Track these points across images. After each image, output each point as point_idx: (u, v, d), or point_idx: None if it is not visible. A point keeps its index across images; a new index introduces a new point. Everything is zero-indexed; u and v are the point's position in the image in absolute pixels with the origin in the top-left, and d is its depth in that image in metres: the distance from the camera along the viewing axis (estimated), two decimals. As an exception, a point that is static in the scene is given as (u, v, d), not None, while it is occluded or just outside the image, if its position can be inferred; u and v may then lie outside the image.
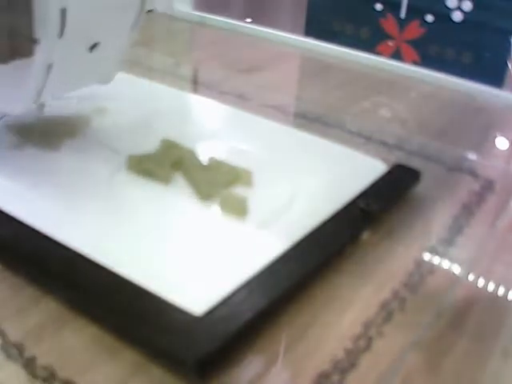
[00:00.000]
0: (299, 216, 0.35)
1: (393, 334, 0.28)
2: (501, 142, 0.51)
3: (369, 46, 0.66)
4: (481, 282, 0.33)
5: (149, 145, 0.40)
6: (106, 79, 0.41)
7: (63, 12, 0.33)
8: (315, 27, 0.70)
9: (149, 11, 0.76)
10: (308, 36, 0.69)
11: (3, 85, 0.35)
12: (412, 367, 0.27)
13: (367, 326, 0.29)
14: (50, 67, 0.34)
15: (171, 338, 0.26)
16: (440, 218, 0.38)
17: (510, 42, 0.59)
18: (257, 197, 0.36)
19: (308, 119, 0.50)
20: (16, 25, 0.32)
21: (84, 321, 0.28)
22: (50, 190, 0.36)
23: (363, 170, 0.40)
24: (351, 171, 0.40)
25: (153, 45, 0.69)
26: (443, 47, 0.63)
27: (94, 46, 0.37)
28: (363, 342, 0.28)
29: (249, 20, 0.72)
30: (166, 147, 0.40)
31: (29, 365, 0.26)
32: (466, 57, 0.62)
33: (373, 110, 0.53)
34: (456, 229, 0.37)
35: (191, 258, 0.31)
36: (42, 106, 0.40)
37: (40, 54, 0.33)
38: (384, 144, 0.46)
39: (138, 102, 0.48)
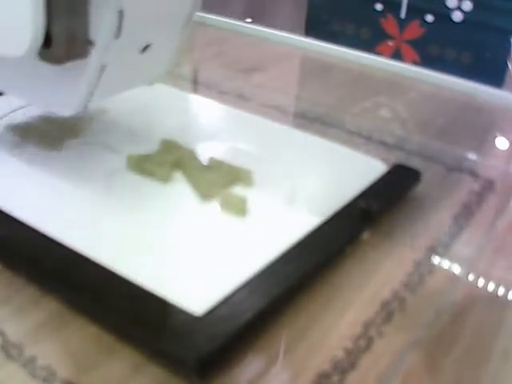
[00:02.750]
0: (299, 216, 0.35)
1: (393, 334, 0.28)
2: (501, 142, 0.51)
3: (369, 46, 0.66)
4: (481, 282, 0.33)
5: (149, 145, 0.40)
6: (153, 80, 0.41)
7: (120, 14, 0.33)
8: (315, 27, 0.70)
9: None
10: (308, 36, 0.69)
11: (55, 85, 0.36)
12: (412, 367, 0.27)
13: (367, 325, 0.29)
14: (103, 69, 0.34)
15: (171, 338, 0.26)
16: (440, 218, 0.38)
17: (510, 42, 0.59)
18: (257, 197, 0.36)
19: (308, 119, 0.50)
20: (73, 26, 0.32)
21: (84, 321, 0.28)
22: (50, 189, 0.36)
23: (363, 169, 0.40)
24: (351, 171, 0.40)
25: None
26: (443, 47, 0.63)
27: (146, 48, 0.37)
28: (363, 341, 0.28)
29: (249, 20, 0.72)
30: (165, 147, 0.40)
31: (29, 365, 0.26)
32: (466, 57, 0.62)
33: (373, 110, 0.53)
34: (456, 229, 0.37)
35: (191, 258, 0.32)
36: (86, 106, 0.40)
37: (95, 56, 0.33)
38: (384, 144, 0.46)
39: (138, 102, 0.48)
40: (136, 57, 0.37)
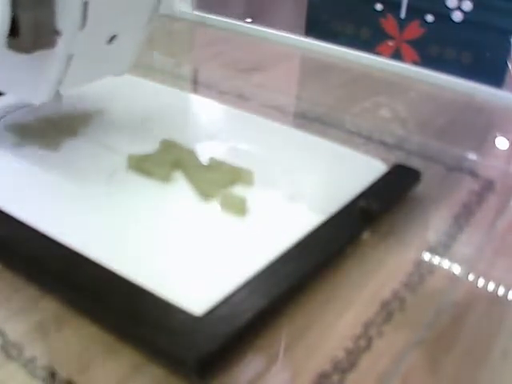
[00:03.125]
0: (299, 216, 0.35)
1: (393, 334, 0.28)
2: (501, 142, 0.51)
3: (369, 46, 0.66)
4: (481, 282, 0.33)
5: (149, 145, 0.40)
6: (120, 71, 0.43)
7: (85, 5, 0.34)
8: (315, 27, 0.70)
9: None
10: (308, 36, 0.69)
11: (25, 75, 0.37)
12: (412, 367, 0.27)
13: (367, 325, 0.29)
14: (70, 58, 0.35)
15: (171, 338, 0.26)
16: (440, 218, 0.38)
17: (510, 42, 0.59)
18: (257, 196, 0.36)
19: (308, 119, 0.50)
20: (40, 17, 0.33)
21: (84, 321, 0.28)
22: (49, 189, 0.36)
23: (363, 169, 0.40)
24: (351, 171, 0.40)
25: (153, 45, 0.69)
26: (443, 47, 0.63)
27: (112, 38, 0.38)
28: (363, 341, 0.28)
29: (249, 20, 0.72)
30: (165, 147, 0.40)
31: (29, 365, 0.26)
32: (466, 57, 0.62)
33: (373, 110, 0.53)
34: (456, 229, 0.37)
35: (191, 258, 0.32)
36: (59, 96, 0.41)
37: (62, 45, 0.34)
38: (384, 144, 0.46)
39: (138, 101, 0.48)
40: (103, 47, 0.38)
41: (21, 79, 0.37)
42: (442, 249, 0.35)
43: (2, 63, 0.36)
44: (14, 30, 0.32)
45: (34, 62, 0.35)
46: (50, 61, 0.35)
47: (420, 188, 0.40)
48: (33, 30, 0.33)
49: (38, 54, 0.34)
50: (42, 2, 0.33)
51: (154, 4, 0.40)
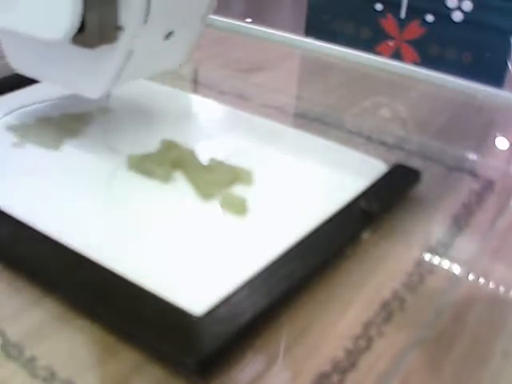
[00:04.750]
0: (299, 216, 0.35)
1: (393, 334, 0.28)
2: (501, 142, 0.51)
3: (369, 46, 0.66)
4: (481, 282, 0.33)
5: (149, 145, 0.40)
6: (174, 66, 0.43)
7: (148, 1, 0.35)
8: (315, 27, 0.70)
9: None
10: (308, 36, 0.68)
11: (84, 69, 0.38)
12: (412, 367, 0.27)
13: (367, 325, 0.29)
14: (130, 53, 0.36)
15: (171, 338, 0.26)
16: (440, 218, 0.38)
17: (509, 42, 0.59)
18: (257, 196, 0.36)
19: (308, 119, 0.50)
20: (104, 13, 0.34)
21: (84, 321, 0.28)
22: (50, 189, 0.36)
23: (363, 170, 0.40)
24: (351, 171, 0.40)
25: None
26: (443, 47, 0.63)
27: (169, 35, 0.39)
28: (363, 341, 0.28)
29: (249, 20, 0.72)
30: (166, 147, 0.40)
31: (29, 365, 0.26)
32: (466, 57, 0.62)
33: (373, 110, 0.53)
34: (456, 229, 0.37)
35: (191, 258, 0.32)
36: (107, 96, 0.42)
37: (123, 41, 0.35)
38: (384, 144, 0.46)
39: (138, 101, 0.48)
40: (160, 43, 0.39)
41: (79, 73, 0.38)
42: (442, 249, 0.35)
43: (62, 57, 0.37)
44: (80, 26, 0.33)
45: (94, 57, 0.36)
46: (111, 56, 0.36)
47: (420, 188, 0.40)
48: (97, 25, 0.34)
49: (99, 49, 0.35)
50: (108, 0, 0.34)
51: (208, 3, 0.41)
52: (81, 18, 0.33)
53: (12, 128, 0.42)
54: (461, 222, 0.37)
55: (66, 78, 0.39)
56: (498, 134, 0.52)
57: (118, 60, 0.36)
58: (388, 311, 0.30)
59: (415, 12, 0.64)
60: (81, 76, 0.38)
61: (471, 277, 0.33)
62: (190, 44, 0.43)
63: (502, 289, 0.32)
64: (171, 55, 0.42)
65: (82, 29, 0.33)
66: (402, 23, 0.65)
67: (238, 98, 0.52)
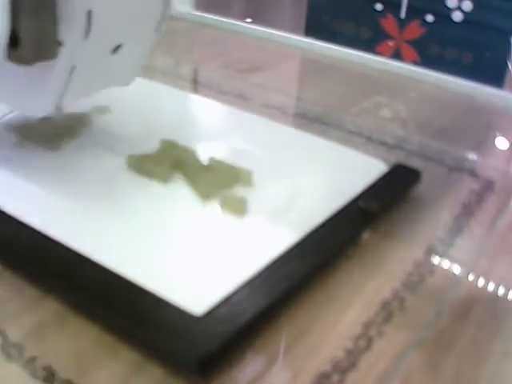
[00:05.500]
0: (299, 216, 0.35)
1: (393, 334, 0.28)
2: (501, 142, 0.51)
3: (369, 46, 0.66)
4: (481, 282, 0.33)
5: (149, 145, 0.40)
6: (126, 81, 0.41)
7: (89, 14, 0.32)
8: (315, 27, 0.70)
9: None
10: (308, 36, 0.68)
11: (26, 87, 0.35)
12: (412, 367, 0.27)
13: (367, 325, 0.29)
14: (73, 69, 0.34)
15: (171, 338, 0.26)
16: (440, 218, 0.38)
17: (509, 42, 0.59)
18: (257, 197, 0.36)
19: (308, 119, 0.50)
20: (41, 27, 0.32)
21: (84, 321, 0.28)
22: (49, 189, 0.36)
23: (363, 170, 0.40)
24: (351, 171, 0.40)
25: (153, 45, 0.69)
26: (443, 47, 0.63)
27: (117, 48, 0.37)
28: (363, 341, 0.28)
29: (249, 20, 0.72)
30: (165, 147, 0.40)
31: (29, 365, 0.26)
32: (466, 57, 0.62)
33: (373, 110, 0.53)
34: (456, 229, 0.37)
35: (191, 258, 0.32)
36: (60, 108, 0.40)
37: (64, 56, 0.33)
38: (384, 144, 0.46)
39: (138, 101, 0.48)
40: (107, 57, 0.37)
41: (21, 92, 0.36)
42: (442, 249, 0.35)
43: (1, 75, 0.35)
44: (14, 41, 0.31)
45: (34, 74, 0.34)
46: (52, 73, 0.34)
47: (420, 188, 0.40)
48: (33, 41, 0.31)
49: (39, 66, 0.32)
50: (43, 11, 0.31)
51: (162, 12, 0.39)
52: (10, 32, 0.31)
53: (12, 128, 0.42)
54: (461, 221, 0.37)
55: (10, 96, 0.37)
56: (497, 134, 0.52)
57: (59, 77, 0.34)
58: (388, 311, 0.30)
59: (415, 12, 0.64)
60: (23, 94, 0.36)
61: (471, 277, 0.33)
62: (143, 56, 0.40)
63: (501, 289, 0.32)
64: (123, 68, 0.40)
65: (16, 44, 0.31)
66: (401, 23, 0.65)
67: (238, 98, 0.52)
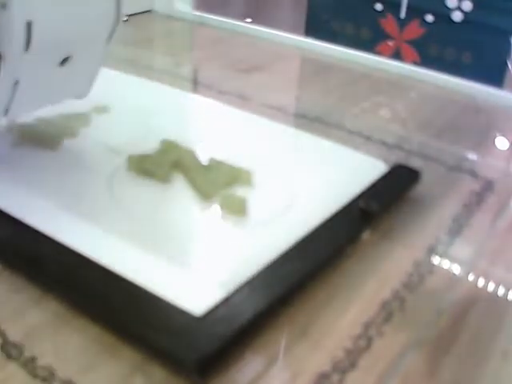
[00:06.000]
0: (299, 216, 0.35)
1: (393, 334, 0.28)
2: (501, 142, 0.51)
3: (369, 46, 0.66)
4: (481, 282, 0.33)
5: (149, 145, 0.40)
6: (81, 94, 0.39)
7: (29, 25, 0.31)
8: (315, 27, 0.70)
9: (148, 11, 0.76)
10: (308, 36, 0.69)
11: None
12: (412, 367, 0.27)
13: (367, 325, 0.29)
14: (16, 83, 0.33)
15: (171, 338, 0.26)
16: (440, 218, 0.38)
17: (509, 42, 0.59)
18: (257, 197, 0.36)
19: (308, 119, 0.50)
20: None
21: (84, 321, 0.28)
22: (49, 189, 0.36)
23: (363, 169, 0.40)
24: (351, 171, 0.40)
25: (153, 45, 0.69)
26: (443, 47, 0.63)
27: (65, 60, 0.35)
28: (363, 341, 0.28)
29: (249, 20, 0.72)
30: (165, 147, 0.40)
31: (29, 365, 0.26)
32: (466, 57, 0.62)
33: (373, 110, 0.53)
34: (456, 229, 0.37)
35: (191, 258, 0.32)
36: (12, 122, 0.39)
37: (5, 70, 0.32)
38: (384, 144, 0.46)
39: (138, 101, 0.48)
40: (55, 70, 0.35)
41: None
42: (441, 249, 0.35)
43: None
44: None
45: None
46: None
47: (420, 188, 0.40)
48: None
49: None
50: None
51: (113, 22, 0.37)
52: None
53: (12, 128, 0.42)
54: (461, 222, 0.37)
55: None
56: (497, 134, 0.52)
57: (1, 92, 0.32)
58: (388, 311, 0.30)
59: (415, 12, 0.64)
60: None
61: (471, 277, 0.33)
62: (95, 67, 0.39)
63: (501, 289, 0.32)
64: (75, 81, 0.38)
65: None
66: (401, 23, 0.65)
67: (238, 98, 0.52)
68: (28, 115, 0.42)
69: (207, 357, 0.25)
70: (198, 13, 0.74)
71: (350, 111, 0.52)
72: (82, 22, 0.35)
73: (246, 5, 0.80)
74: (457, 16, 0.61)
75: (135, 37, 0.68)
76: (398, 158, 0.44)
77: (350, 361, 0.27)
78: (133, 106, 0.47)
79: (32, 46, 0.31)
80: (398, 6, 0.64)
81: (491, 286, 0.33)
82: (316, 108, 0.52)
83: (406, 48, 0.65)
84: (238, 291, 0.29)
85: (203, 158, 0.39)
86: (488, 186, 0.42)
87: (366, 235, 0.35)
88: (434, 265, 0.34)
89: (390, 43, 0.66)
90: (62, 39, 0.34)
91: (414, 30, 0.64)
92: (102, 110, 0.46)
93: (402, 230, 0.36)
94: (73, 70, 0.36)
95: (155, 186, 0.37)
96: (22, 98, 0.34)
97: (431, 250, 0.35)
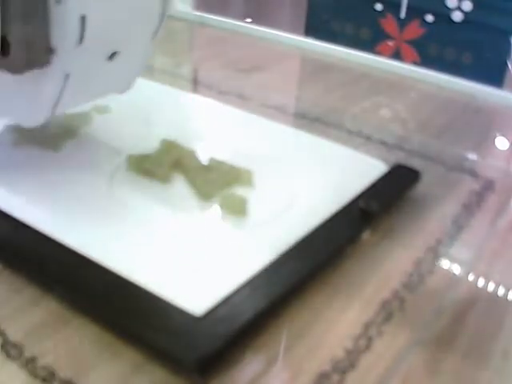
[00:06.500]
0: (299, 216, 0.35)
1: (393, 334, 0.28)
2: (501, 142, 0.51)
3: (369, 45, 0.66)
4: (481, 282, 0.33)
5: (149, 145, 0.40)
6: (123, 88, 0.40)
7: (83, 19, 0.31)
8: (315, 27, 0.70)
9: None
10: (308, 36, 0.69)
11: (19, 96, 0.34)
12: (412, 367, 0.27)
13: (367, 325, 0.29)
14: (67, 77, 0.33)
15: (171, 338, 0.26)
16: (440, 218, 0.38)
17: (509, 42, 0.59)
18: (257, 197, 0.36)
19: (308, 119, 0.50)
20: (32, 33, 0.30)
21: (84, 320, 0.28)
22: (49, 189, 0.36)
23: (363, 170, 0.40)
24: (351, 171, 0.40)
25: (153, 45, 0.69)
26: (443, 47, 0.63)
27: (113, 55, 0.35)
28: (363, 341, 0.28)
29: (249, 20, 0.72)
30: (165, 147, 0.40)
31: (29, 365, 0.26)
32: (466, 57, 0.62)
33: (373, 110, 0.53)
34: (456, 229, 0.37)
35: (191, 258, 0.31)
36: (49, 122, 0.40)
37: (57, 64, 0.32)
38: (384, 144, 0.46)
39: (138, 101, 0.48)
40: (103, 64, 0.35)
41: (13, 101, 0.34)
42: (441, 249, 0.35)
43: None
44: (3, 48, 0.30)
45: (27, 83, 0.32)
46: (45, 81, 0.32)
47: (420, 188, 0.40)
48: (24, 48, 0.30)
49: (31, 74, 0.31)
50: (34, 16, 0.30)
51: (159, 18, 0.37)
52: (0, 38, 0.29)
53: (12, 128, 0.42)
54: (461, 222, 0.37)
55: (2, 106, 0.35)
56: (497, 134, 0.52)
57: (53, 85, 0.32)
58: (388, 311, 0.30)
59: (415, 12, 0.64)
60: (16, 104, 0.34)
61: (471, 277, 0.33)
62: (140, 63, 0.39)
63: (501, 289, 0.32)
64: (119, 75, 0.38)
65: (6, 51, 0.29)
66: (401, 23, 0.65)
67: (238, 98, 0.52)
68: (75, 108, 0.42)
69: (207, 357, 0.25)
70: (198, 13, 0.74)
71: (350, 111, 0.52)
72: (131, 18, 0.35)
73: (246, 5, 0.80)
74: (457, 16, 0.61)
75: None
76: (398, 158, 0.44)
77: (350, 361, 0.27)
78: (133, 105, 0.47)
79: (84, 40, 0.32)
80: (397, 6, 0.64)
81: (491, 286, 0.33)
82: (316, 108, 0.52)
83: (405, 48, 0.65)
84: (238, 291, 0.29)
85: (203, 158, 0.39)
86: (488, 185, 0.42)
87: (366, 235, 0.35)
88: (434, 265, 0.34)
89: (390, 43, 0.66)
90: (112, 34, 0.35)
91: (414, 30, 0.64)
92: (103, 109, 0.46)
93: (401, 230, 0.36)
94: (119, 64, 0.36)
95: (155, 186, 0.37)
96: (71, 91, 0.34)
97: (431, 250, 0.35)
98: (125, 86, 0.40)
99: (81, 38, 0.31)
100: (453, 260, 0.34)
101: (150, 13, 0.37)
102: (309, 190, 0.38)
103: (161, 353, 0.26)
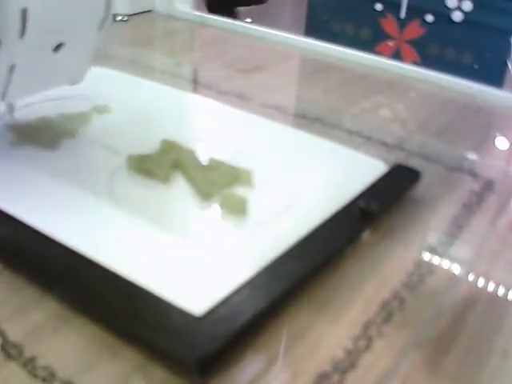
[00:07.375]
0: (299, 216, 0.35)
1: (393, 334, 0.28)
2: (501, 142, 0.51)
3: (369, 46, 0.66)
4: (481, 282, 0.33)
5: (149, 145, 0.40)
6: (74, 80, 0.41)
7: (24, 12, 0.32)
8: (315, 27, 0.70)
9: (149, 11, 0.76)
10: (308, 36, 0.69)
11: None
12: (412, 367, 0.27)
13: (367, 325, 0.29)
14: (12, 68, 0.34)
15: (171, 338, 0.26)
16: (440, 218, 0.38)
17: (509, 42, 0.59)
18: (257, 197, 0.36)
19: (308, 119, 0.50)
20: None
21: (84, 320, 0.28)
22: (49, 189, 0.36)
23: (363, 170, 0.40)
24: (351, 171, 0.40)
25: (153, 45, 0.69)
26: (443, 47, 0.63)
27: (58, 46, 0.36)
28: (363, 341, 0.28)
29: (249, 20, 0.72)
30: (165, 147, 0.40)
31: (29, 365, 0.26)
32: (466, 57, 0.62)
33: (373, 110, 0.53)
34: (456, 229, 0.37)
35: (191, 258, 0.31)
36: (11, 108, 0.40)
37: (1, 56, 0.33)
38: (384, 144, 0.46)
39: (138, 101, 0.48)
40: (49, 56, 0.36)
41: None
42: (442, 249, 0.35)
43: None
44: None
45: None
46: None
47: (420, 188, 0.40)
48: None
49: None
50: None
51: (104, 11, 0.38)
52: None
53: (11, 127, 0.42)
54: (461, 222, 0.37)
55: None
56: (497, 134, 0.52)
57: None
58: (388, 311, 0.30)
59: (415, 12, 0.64)
60: None
61: (471, 277, 0.33)
62: (89, 54, 0.40)
63: (501, 289, 0.32)
64: (68, 67, 0.39)
65: None
66: (401, 23, 0.65)
67: (237, 98, 0.52)
68: (27, 112, 0.42)
69: (207, 357, 0.25)
70: (198, 13, 0.74)
71: (350, 111, 0.52)
72: (74, 9, 0.36)
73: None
74: (457, 16, 0.61)
75: (135, 37, 0.68)
76: (398, 158, 0.44)
77: (350, 361, 0.27)
78: (133, 105, 0.47)
79: (27, 32, 0.33)
80: (397, 6, 0.64)
81: (491, 286, 0.33)
82: (316, 108, 0.52)
83: (405, 48, 0.65)
84: (238, 291, 0.29)
85: (203, 157, 0.39)
86: (488, 185, 0.42)
87: (366, 235, 0.35)
88: (434, 265, 0.34)
89: (390, 43, 0.66)
90: (55, 26, 0.35)
91: (414, 30, 0.64)
92: (103, 109, 0.46)
93: (401, 230, 0.36)
94: (66, 56, 0.37)
95: (155, 185, 0.37)
96: (18, 82, 0.35)
97: (431, 250, 0.35)
98: (76, 78, 0.41)
99: (23, 31, 0.32)
100: (453, 260, 0.34)
101: (94, 3, 0.37)
102: (309, 190, 0.38)
103: (161, 353, 0.26)
